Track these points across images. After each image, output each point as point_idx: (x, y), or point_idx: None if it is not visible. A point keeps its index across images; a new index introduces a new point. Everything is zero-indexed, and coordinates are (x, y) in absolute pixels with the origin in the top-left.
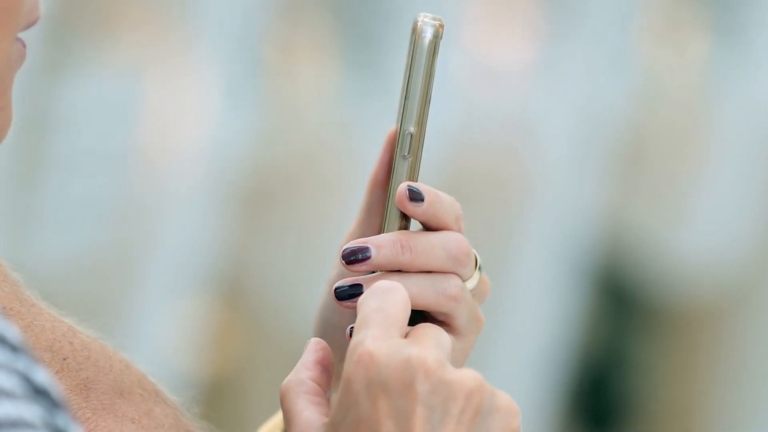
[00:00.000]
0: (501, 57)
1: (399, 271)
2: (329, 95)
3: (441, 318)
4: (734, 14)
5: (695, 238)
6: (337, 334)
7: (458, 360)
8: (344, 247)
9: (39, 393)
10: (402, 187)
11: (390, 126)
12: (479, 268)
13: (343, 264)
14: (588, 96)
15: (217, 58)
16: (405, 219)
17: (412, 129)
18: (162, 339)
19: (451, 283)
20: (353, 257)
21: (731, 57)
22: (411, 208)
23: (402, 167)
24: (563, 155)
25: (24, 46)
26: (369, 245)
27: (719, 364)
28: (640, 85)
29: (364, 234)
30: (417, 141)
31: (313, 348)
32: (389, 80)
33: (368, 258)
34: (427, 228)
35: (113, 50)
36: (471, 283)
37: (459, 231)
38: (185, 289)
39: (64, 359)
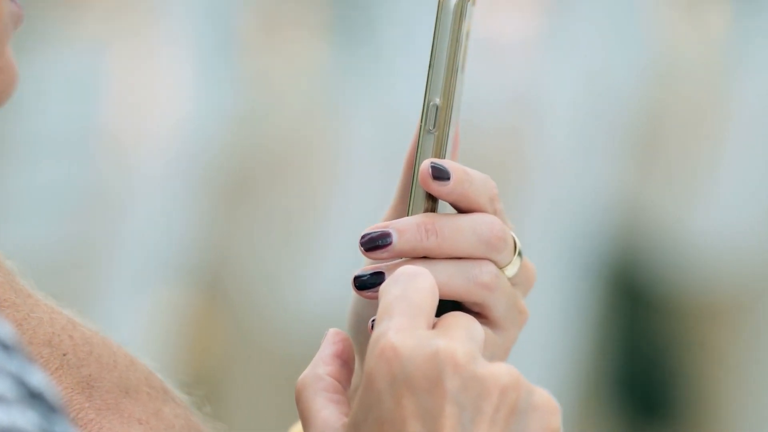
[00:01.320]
0: (502, 30)
1: (425, 258)
2: (314, 72)
3: (476, 309)
4: None
5: (715, 225)
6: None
7: (497, 356)
8: (363, 233)
9: (34, 397)
10: (425, 165)
11: (381, 107)
12: (519, 254)
13: (362, 251)
14: (597, 72)
15: (189, 32)
16: (432, 200)
17: (437, 100)
18: (134, 337)
19: (484, 270)
20: (373, 244)
21: (753, 26)
22: (436, 187)
23: (427, 143)
24: (571, 136)
25: (20, 8)
26: (390, 230)
27: (742, 359)
28: (653, 58)
29: (399, 218)
30: (444, 114)
31: (332, 340)
32: (380, 56)
33: (389, 244)
34: (458, 210)
35: (75, 24)
36: (510, 270)
37: (494, 213)
38: (158, 283)
39: (64, 355)
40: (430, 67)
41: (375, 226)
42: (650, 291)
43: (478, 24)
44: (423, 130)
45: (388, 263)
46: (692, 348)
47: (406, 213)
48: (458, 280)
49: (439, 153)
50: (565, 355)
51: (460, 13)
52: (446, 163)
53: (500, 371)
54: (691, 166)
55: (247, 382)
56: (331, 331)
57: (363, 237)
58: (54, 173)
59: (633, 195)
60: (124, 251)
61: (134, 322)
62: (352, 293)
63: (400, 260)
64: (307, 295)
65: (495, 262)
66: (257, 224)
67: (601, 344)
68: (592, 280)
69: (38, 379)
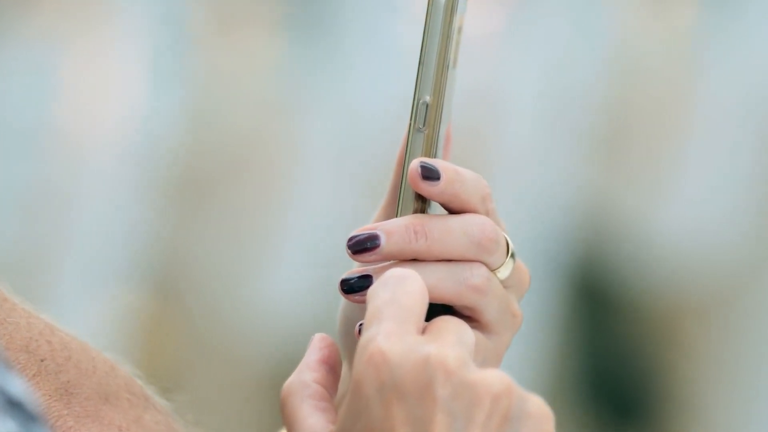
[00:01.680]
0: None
1: (415, 261)
2: (270, 69)
3: (467, 313)
4: None
5: (681, 223)
6: None
7: (490, 361)
8: (350, 235)
9: (13, 405)
10: (414, 164)
11: (338, 104)
12: (512, 256)
13: (349, 254)
14: (560, 67)
15: (143, 29)
16: (422, 201)
17: (428, 98)
18: (85, 340)
19: (475, 273)
20: (360, 246)
21: (719, 20)
22: (425, 187)
23: (417, 141)
24: (533, 134)
25: None
26: (378, 232)
27: (712, 357)
28: (617, 53)
29: (389, 219)
30: (434, 112)
31: (318, 345)
32: (338, 53)
33: (377, 246)
34: (449, 210)
35: (27, 20)
36: (503, 273)
37: (486, 213)
38: (110, 284)
39: (42, 360)
40: (420, 63)
41: (362, 228)
42: (616, 290)
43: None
44: (413, 129)
45: (376, 266)
46: (661, 347)
47: (395, 214)
48: (448, 282)
49: (430, 152)
50: (531, 357)
51: (451, 8)
52: (436, 162)
53: (492, 378)
54: (656, 163)
55: (202, 386)
56: (317, 336)
57: (350, 239)
58: (3, 171)
59: (597, 193)
60: (75, 251)
61: (85, 325)
62: (341, 297)
63: (388, 263)
64: (263, 296)
65: (487, 265)
66: (212, 223)
67: (567, 346)
68: (557, 280)
69: (18, 386)
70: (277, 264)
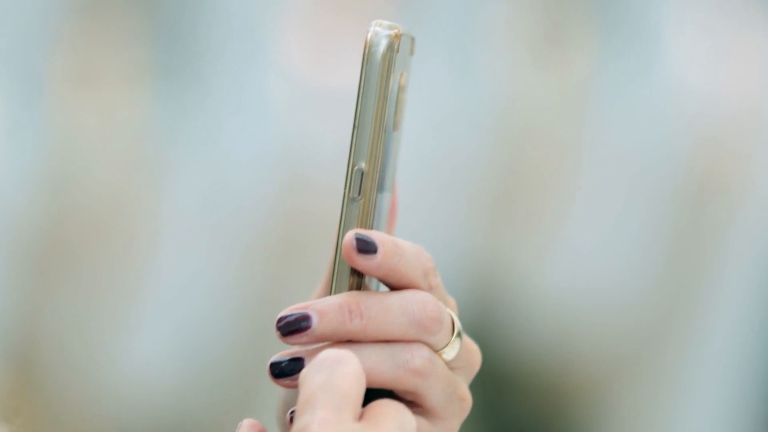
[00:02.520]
0: (332, 79)
1: (351, 342)
2: (133, 125)
3: (408, 397)
4: (614, 25)
5: (575, 285)
6: None
7: None
8: (279, 316)
9: None
10: (348, 237)
11: (206, 161)
12: (459, 335)
13: (279, 336)
14: (446, 122)
15: None
16: (358, 276)
17: (363, 164)
18: None
19: (416, 354)
20: (290, 328)
21: (612, 74)
22: (360, 261)
23: (352, 212)
24: (421, 190)
25: None
26: (309, 312)
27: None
28: (508, 106)
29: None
30: (370, 179)
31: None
32: (205, 107)
33: (308, 328)
34: (388, 286)
35: None
36: (449, 354)
37: (429, 289)
38: None
39: None
40: (354, 126)
41: (293, 307)
42: (508, 362)
43: (308, 73)
44: (347, 198)
45: (308, 348)
46: (555, 423)
47: (329, 291)
48: (387, 365)
49: (366, 223)
50: None
51: (388, 66)
52: (373, 234)
53: None
54: (548, 222)
55: None
56: (245, 422)
57: (279, 320)
58: None
59: (487, 251)
60: None
61: None
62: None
63: (321, 344)
64: (126, 367)
65: (429, 345)
66: (71, 292)
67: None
68: None
69: None
70: (141, 331)
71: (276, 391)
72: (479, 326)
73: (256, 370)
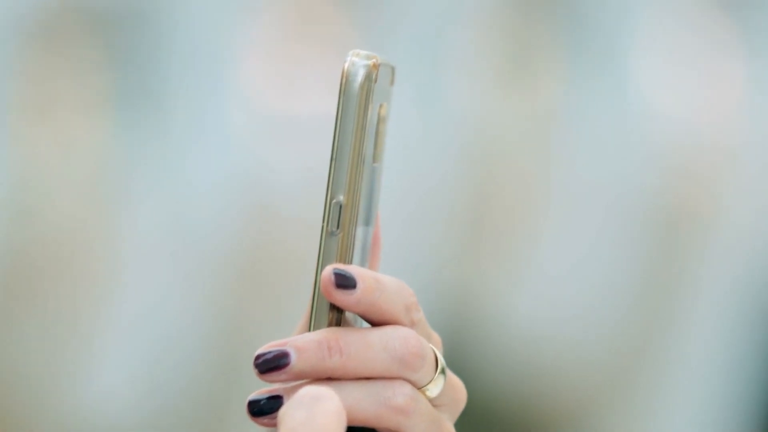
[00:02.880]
0: (294, 107)
1: (331, 379)
2: (92, 155)
3: None
4: (583, 51)
5: (546, 316)
6: None
7: None
8: (257, 353)
9: None
10: (327, 272)
11: (167, 192)
12: (443, 371)
13: (257, 374)
14: (405, 147)
15: None
16: (337, 312)
17: (341, 198)
18: None
19: (398, 392)
20: (269, 365)
21: (583, 99)
22: (339, 297)
23: (330, 246)
24: (381, 221)
25: None
26: (288, 348)
27: None
28: (477, 132)
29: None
30: (348, 213)
31: None
32: (168, 139)
33: (287, 365)
34: (369, 322)
35: None
36: (432, 391)
37: (411, 324)
38: None
39: None
40: (331, 159)
41: (271, 344)
42: (475, 384)
43: (270, 100)
44: (325, 232)
45: (287, 385)
46: None
47: (308, 327)
48: (368, 403)
49: (345, 257)
50: None
51: (366, 96)
52: (352, 269)
53: None
54: (518, 249)
55: None
56: None
57: (257, 358)
58: None
59: (457, 281)
60: None
61: None
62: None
63: (300, 382)
64: (89, 398)
65: (412, 382)
66: (33, 322)
67: None
68: None
69: None
70: (103, 361)
71: (248, 426)
72: (450, 357)
73: (220, 401)
